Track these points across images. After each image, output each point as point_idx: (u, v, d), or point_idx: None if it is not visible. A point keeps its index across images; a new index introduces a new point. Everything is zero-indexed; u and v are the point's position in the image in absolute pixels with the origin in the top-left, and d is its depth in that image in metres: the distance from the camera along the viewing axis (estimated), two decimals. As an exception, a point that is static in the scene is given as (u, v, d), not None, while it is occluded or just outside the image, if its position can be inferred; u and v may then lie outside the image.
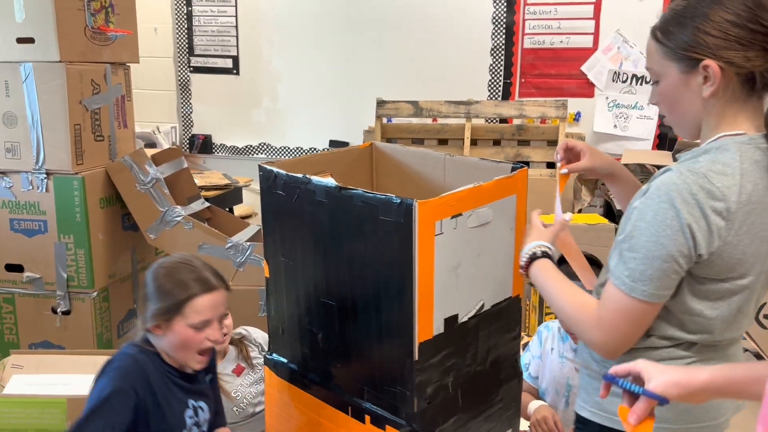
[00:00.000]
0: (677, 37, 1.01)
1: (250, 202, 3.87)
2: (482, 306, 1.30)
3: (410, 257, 1.11)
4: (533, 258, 1.17)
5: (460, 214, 1.19)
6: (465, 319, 1.26)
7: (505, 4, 3.55)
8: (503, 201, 1.31)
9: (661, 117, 3.39)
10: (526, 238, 1.22)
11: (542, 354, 1.79)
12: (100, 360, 1.43)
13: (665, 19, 1.05)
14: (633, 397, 0.89)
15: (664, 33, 1.04)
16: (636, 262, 0.99)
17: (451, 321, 1.23)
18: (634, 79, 3.44)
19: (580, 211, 3.46)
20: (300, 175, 1.31)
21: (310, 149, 4.00)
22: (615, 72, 3.47)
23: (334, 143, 3.95)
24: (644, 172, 3.18)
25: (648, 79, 3.40)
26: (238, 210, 3.70)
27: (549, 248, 1.19)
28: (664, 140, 3.45)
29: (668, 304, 1.04)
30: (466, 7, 3.60)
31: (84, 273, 2.32)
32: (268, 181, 1.39)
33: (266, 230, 1.45)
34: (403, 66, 3.75)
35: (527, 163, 3.54)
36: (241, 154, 4.08)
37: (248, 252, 2.47)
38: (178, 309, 1.32)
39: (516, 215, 1.36)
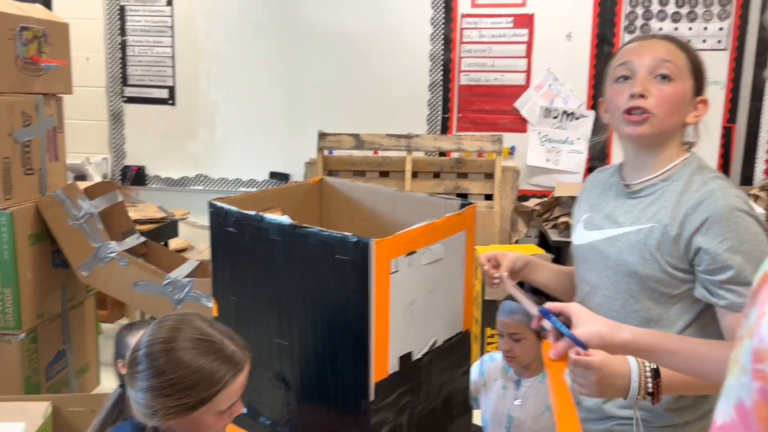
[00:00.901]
0: (702, 68, 1.22)
1: (187, 235, 3.76)
2: (435, 342, 1.32)
3: (366, 296, 1.11)
4: (657, 374, 1.05)
5: (415, 252, 1.20)
6: (419, 356, 1.27)
7: (442, 42, 3.67)
8: (454, 237, 1.33)
9: (591, 151, 3.56)
10: (607, 379, 1.02)
11: (486, 383, 1.82)
12: (29, 407, 1.34)
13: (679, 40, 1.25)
14: (559, 335, 0.97)
15: (696, 56, 1.22)
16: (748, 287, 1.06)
17: (405, 359, 1.23)
18: (565, 115, 3.61)
19: (517, 242, 3.56)
20: (253, 213, 1.29)
21: (250, 181, 3.95)
22: (546, 108, 3.63)
23: (274, 175, 3.91)
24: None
25: (576, 116, 3.58)
26: (174, 243, 3.59)
27: (646, 365, 1.06)
28: (593, 173, 3.62)
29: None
30: (405, 44, 3.70)
31: (11, 313, 2.19)
32: (219, 217, 1.37)
33: (216, 268, 1.42)
34: (345, 99, 3.79)
35: (466, 195, 3.63)
36: (177, 185, 3.98)
37: (187, 288, 2.40)
38: (205, 402, 1.08)
39: (466, 251, 1.39)
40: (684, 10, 3.46)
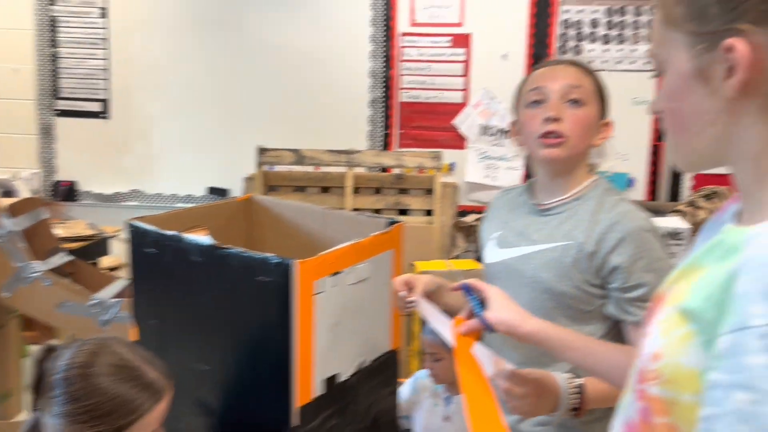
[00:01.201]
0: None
1: (119, 253, 3.64)
2: (363, 362, 1.31)
3: (288, 318, 1.10)
4: (581, 389, 1.07)
5: (340, 272, 1.19)
6: (345, 377, 1.25)
7: (382, 59, 3.70)
8: (380, 256, 1.33)
9: (527, 167, 3.64)
10: (536, 398, 1.04)
11: (418, 400, 1.83)
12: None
13: None
14: (473, 312, 1.03)
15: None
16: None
17: (331, 381, 1.22)
18: (501, 132, 3.69)
19: (456, 257, 3.60)
20: (172, 233, 1.26)
21: (187, 196, 3.86)
22: (484, 126, 3.71)
23: (212, 190, 3.84)
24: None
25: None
26: (106, 262, 3.46)
27: (569, 375, 1.09)
28: (530, 189, 3.70)
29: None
30: (346, 61, 3.71)
31: None
32: (138, 237, 1.33)
33: (135, 291, 1.37)
34: (286, 114, 3.77)
35: (406, 211, 3.65)
36: (110, 201, 3.85)
37: (115, 309, 2.32)
38: (122, 430, 1.04)
39: (392, 270, 1.39)
40: (613, 33, 3.60)
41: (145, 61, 3.73)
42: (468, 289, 1.01)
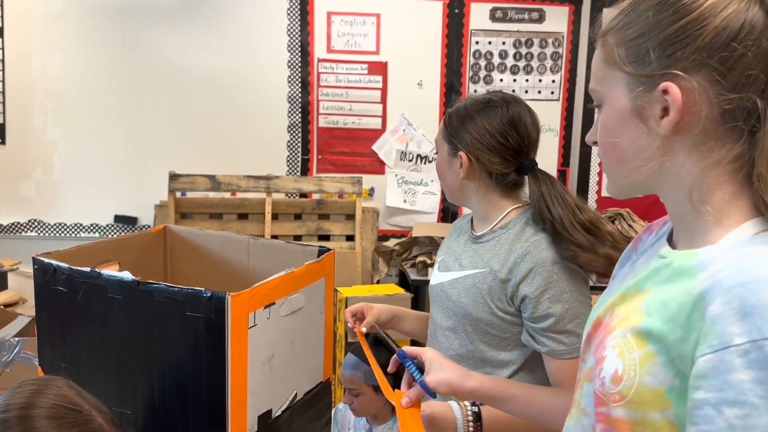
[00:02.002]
0: (452, 128, 1.27)
1: (18, 287, 3.36)
2: (295, 396, 1.26)
3: (222, 355, 1.04)
4: (478, 416, 1.09)
5: (273, 303, 1.15)
6: (279, 413, 1.21)
7: (300, 85, 3.68)
8: (313, 285, 1.30)
9: (443, 192, 3.73)
10: (434, 428, 1.08)
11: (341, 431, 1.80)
12: None
13: (456, 109, 1.29)
14: (413, 380, 1.00)
15: (448, 118, 1.29)
16: (570, 335, 1.12)
17: (265, 417, 1.17)
18: (419, 158, 3.77)
19: (378, 282, 3.60)
20: (87, 269, 1.17)
21: (92, 225, 3.63)
22: (402, 152, 3.76)
23: (120, 218, 3.64)
24: (432, 243, 3.44)
25: (430, 159, 3.75)
26: (3, 297, 3.18)
27: (466, 401, 1.11)
28: (447, 213, 3.79)
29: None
30: (263, 86, 3.66)
31: None
32: (46, 275, 1.22)
33: (42, 332, 1.26)
34: (200, 139, 3.65)
35: (328, 237, 3.62)
36: (6, 232, 3.56)
37: (16, 349, 2.13)
38: None
39: (325, 298, 1.36)
40: (521, 63, 3.78)
41: (45, 83, 3.51)
42: (404, 356, 0.99)
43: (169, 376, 1.11)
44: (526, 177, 1.26)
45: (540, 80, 3.80)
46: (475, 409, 1.10)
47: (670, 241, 0.75)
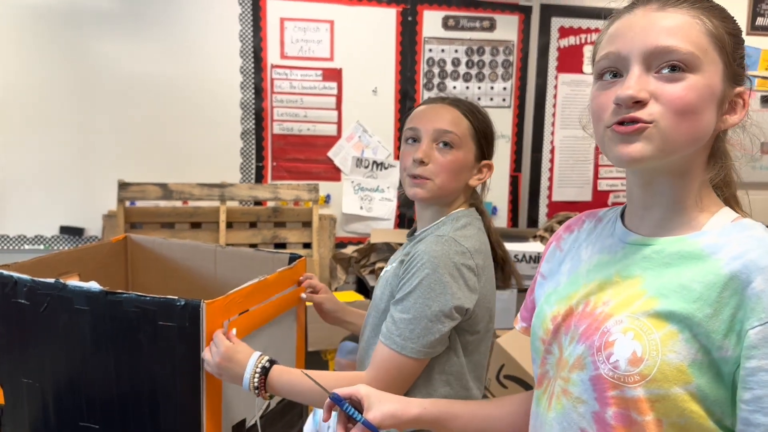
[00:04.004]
0: (488, 137, 1.32)
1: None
2: (269, 405, 1.24)
3: (197, 364, 1.01)
4: (266, 371, 1.07)
5: (247, 310, 1.13)
6: (252, 422, 1.18)
7: (253, 91, 3.64)
8: (286, 293, 1.29)
9: (400, 199, 3.75)
10: (228, 362, 1.06)
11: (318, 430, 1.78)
12: None
13: (472, 109, 1.32)
14: (351, 420, 0.94)
15: (486, 128, 1.32)
16: (405, 322, 1.07)
17: (239, 427, 1.14)
18: (375, 165, 3.77)
19: (336, 290, 3.58)
20: (52, 280, 1.12)
21: (36, 237, 3.48)
22: (358, 158, 3.77)
23: (65, 229, 3.49)
24: (390, 250, 3.45)
25: (386, 166, 3.76)
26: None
27: (269, 357, 1.10)
28: (403, 220, 3.81)
29: (433, 361, 1.13)
30: (215, 92, 3.60)
31: None
32: (5, 288, 1.17)
33: (1, 347, 1.20)
34: (149, 147, 3.55)
35: (284, 245, 3.58)
36: (-59, 246, 3.36)
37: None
38: None
39: (297, 306, 1.35)
40: (473, 71, 3.85)
41: (-16, 88, 3.34)
42: (339, 399, 0.95)
43: (140, 388, 1.07)
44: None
45: (492, 87, 3.88)
46: (266, 364, 1.08)
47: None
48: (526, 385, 2.37)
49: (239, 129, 3.65)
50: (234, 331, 1.06)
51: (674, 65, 0.71)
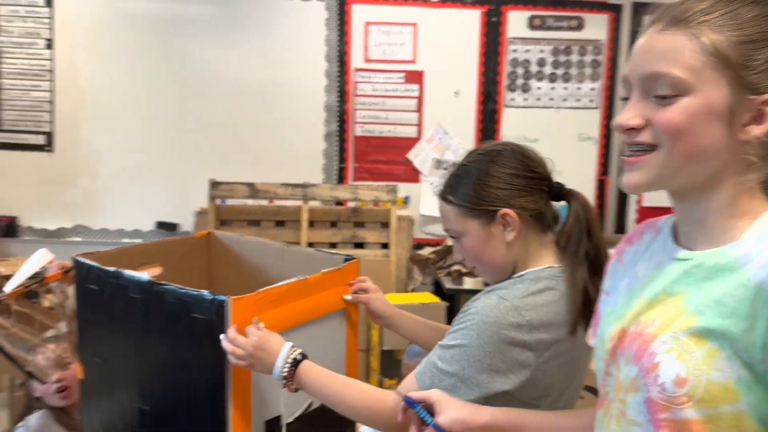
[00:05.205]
0: (469, 196, 1.10)
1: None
2: (309, 405, 1.26)
3: (222, 357, 1.05)
4: (296, 363, 1.07)
5: (281, 308, 1.16)
6: (290, 419, 1.21)
7: (337, 94, 3.72)
8: (332, 293, 1.30)
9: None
10: (261, 351, 1.06)
11: None
12: None
13: (451, 184, 1.14)
14: (423, 423, 0.96)
15: (454, 195, 1.12)
16: (439, 371, 1.04)
17: (272, 424, 1.17)
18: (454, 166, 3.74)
19: (413, 290, 3.59)
20: (112, 269, 1.21)
21: (134, 231, 3.75)
22: (437, 160, 3.75)
23: (161, 225, 3.74)
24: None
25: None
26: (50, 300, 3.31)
27: (302, 350, 1.10)
28: (484, 223, 3.74)
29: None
30: (300, 95, 3.72)
31: None
32: (82, 274, 1.28)
33: (79, 327, 1.32)
34: (239, 148, 3.73)
35: (363, 244, 3.63)
36: (53, 237, 3.71)
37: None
38: None
39: (348, 306, 1.36)
40: (559, 71, 3.73)
41: (92, 93, 3.65)
42: (412, 402, 0.97)
43: (178, 377, 1.13)
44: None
45: (579, 88, 3.73)
46: (298, 356, 1.07)
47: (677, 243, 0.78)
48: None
49: (323, 131, 3.75)
50: (262, 324, 1.09)
51: (665, 89, 0.72)
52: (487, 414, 0.97)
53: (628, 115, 0.74)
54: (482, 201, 1.10)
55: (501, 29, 3.69)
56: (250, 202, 3.62)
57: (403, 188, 3.73)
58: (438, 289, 3.56)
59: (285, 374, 1.06)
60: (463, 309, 1.09)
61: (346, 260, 1.36)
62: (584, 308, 1.05)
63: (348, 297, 1.34)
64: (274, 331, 1.11)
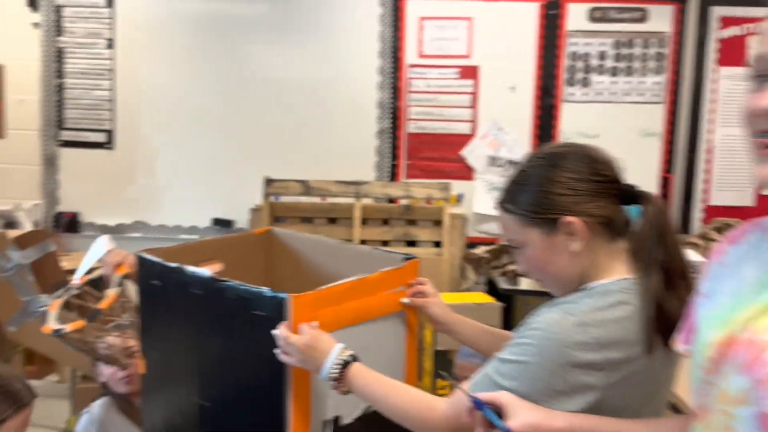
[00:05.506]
0: (529, 204, 1.03)
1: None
2: (369, 406, 1.23)
3: (281, 355, 1.03)
4: (346, 365, 1.05)
5: (338, 306, 1.13)
6: (350, 420, 1.18)
7: (390, 91, 3.69)
8: (391, 293, 1.27)
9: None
10: (311, 349, 1.05)
11: None
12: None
13: (510, 191, 1.06)
14: (491, 426, 0.91)
15: (513, 203, 1.05)
16: (494, 386, 0.97)
17: (332, 424, 1.14)
18: (509, 164, 3.65)
19: (467, 290, 3.52)
20: (174, 265, 1.20)
21: (191, 227, 3.82)
22: (492, 157, 3.67)
23: (217, 222, 3.80)
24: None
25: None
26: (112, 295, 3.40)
27: (353, 352, 1.08)
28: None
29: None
30: (353, 92, 3.70)
31: None
32: (145, 269, 1.29)
33: (142, 322, 1.32)
34: (292, 145, 3.75)
35: (415, 242, 3.59)
36: (114, 233, 3.81)
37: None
38: None
39: (406, 308, 1.32)
40: (622, 65, 3.59)
41: (151, 91, 3.74)
42: (480, 403, 0.91)
43: (238, 374, 1.12)
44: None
45: (642, 82, 3.58)
46: (348, 358, 1.06)
47: None
48: (677, 410, 2.15)
49: (375, 128, 3.73)
50: (316, 323, 1.07)
51: None
52: (562, 419, 0.90)
53: None
54: (543, 209, 1.01)
55: (560, 22, 3.58)
56: (304, 199, 3.63)
57: (457, 186, 3.66)
58: (492, 289, 3.48)
59: (335, 375, 1.04)
60: (524, 321, 1.02)
61: (406, 259, 1.32)
62: (659, 323, 0.95)
63: (405, 300, 1.30)
64: (331, 330, 1.09)
